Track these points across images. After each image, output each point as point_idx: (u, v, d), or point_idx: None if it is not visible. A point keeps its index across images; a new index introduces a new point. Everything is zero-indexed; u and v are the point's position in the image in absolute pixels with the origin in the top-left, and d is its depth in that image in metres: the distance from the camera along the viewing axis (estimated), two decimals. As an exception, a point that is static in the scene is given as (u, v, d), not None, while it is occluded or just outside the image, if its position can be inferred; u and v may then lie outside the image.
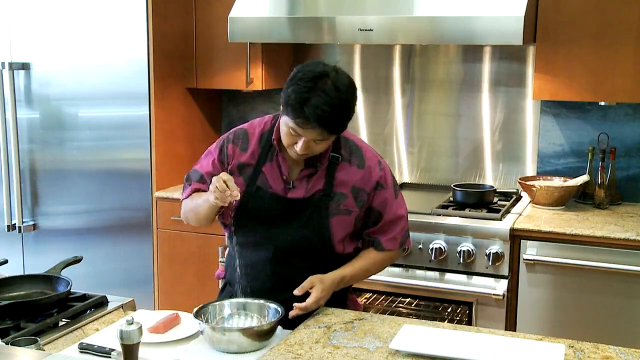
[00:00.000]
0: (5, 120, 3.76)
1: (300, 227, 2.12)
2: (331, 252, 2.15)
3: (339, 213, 2.12)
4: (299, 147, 2.00)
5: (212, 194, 2.00)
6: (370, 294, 3.27)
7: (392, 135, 3.81)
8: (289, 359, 1.77)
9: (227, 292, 2.28)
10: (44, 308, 2.00)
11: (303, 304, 2.02)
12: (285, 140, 2.05)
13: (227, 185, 1.97)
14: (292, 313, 2.01)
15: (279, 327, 1.95)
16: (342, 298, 2.23)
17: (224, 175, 2.00)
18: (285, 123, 2.01)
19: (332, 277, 2.11)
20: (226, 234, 2.27)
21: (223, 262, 2.18)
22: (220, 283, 2.37)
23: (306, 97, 1.93)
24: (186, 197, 2.26)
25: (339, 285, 2.15)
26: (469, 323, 3.05)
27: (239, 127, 2.24)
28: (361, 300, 3.27)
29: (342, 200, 2.12)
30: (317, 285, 2.06)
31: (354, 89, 2.03)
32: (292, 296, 2.04)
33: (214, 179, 2.01)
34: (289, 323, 2.00)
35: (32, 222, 3.84)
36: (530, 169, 3.61)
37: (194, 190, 2.23)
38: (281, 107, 2.02)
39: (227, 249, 2.29)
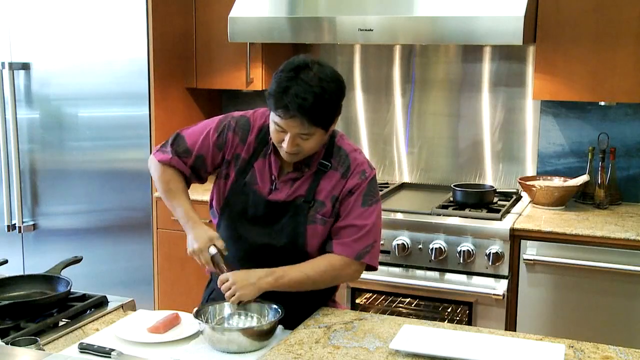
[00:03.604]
0: (5, 120, 3.76)
1: (276, 231, 2.09)
2: (304, 257, 2.09)
3: (316, 222, 2.07)
4: (285, 143, 1.97)
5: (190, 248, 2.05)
6: (370, 294, 3.27)
7: (392, 135, 3.81)
8: (289, 359, 1.77)
9: (210, 287, 2.29)
10: (44, 308, 2.00)
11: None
12: (273, 137, 2.02)
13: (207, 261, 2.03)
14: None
15: (279, 327, 1.95)
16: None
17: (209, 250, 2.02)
18: (272, 119, 1.98)
19: (258, 270, 2.02)
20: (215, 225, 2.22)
21: None
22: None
23: (286, 86, 1.91)
24: (160, 160, 2.16)
25: (267, 279, 1.99)
26: (469, 323, 3.04)
27: (242, 113, 2.17)
28: (361, 300, 3.27)
29: (320, 209, 2.07)
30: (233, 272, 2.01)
31: (339, 81, 1.98)
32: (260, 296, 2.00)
33: (198, 253, 2.03)
34: (289, 323, 2.00)
35: (32, 222, 3.84)
36: (530, 169, 3.61)
37: (172, 162, 2.15)
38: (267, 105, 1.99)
39: None
